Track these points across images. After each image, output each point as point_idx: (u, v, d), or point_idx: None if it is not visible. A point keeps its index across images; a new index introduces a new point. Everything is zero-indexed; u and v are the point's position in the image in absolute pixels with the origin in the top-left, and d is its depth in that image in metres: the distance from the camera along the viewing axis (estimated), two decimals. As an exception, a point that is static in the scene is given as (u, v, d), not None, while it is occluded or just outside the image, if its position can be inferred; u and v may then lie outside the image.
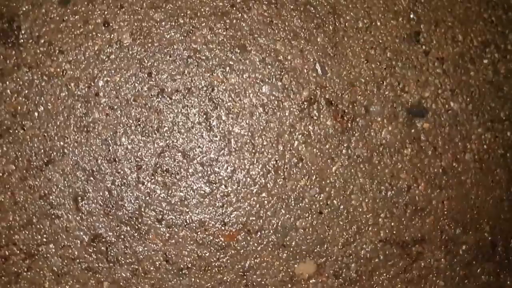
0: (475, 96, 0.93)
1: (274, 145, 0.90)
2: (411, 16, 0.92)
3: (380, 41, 0.92)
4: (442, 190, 0.91)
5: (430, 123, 0.93)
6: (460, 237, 0.92)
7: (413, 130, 0.92)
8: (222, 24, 0.89)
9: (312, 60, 0.91)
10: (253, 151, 0.90)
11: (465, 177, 0.92)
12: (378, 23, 0.92)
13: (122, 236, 0.86)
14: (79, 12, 0.86)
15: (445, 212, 0.91)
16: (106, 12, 0.86)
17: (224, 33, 0.89)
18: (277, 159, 0.90)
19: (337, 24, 0.91)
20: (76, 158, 0.86)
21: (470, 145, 0.93)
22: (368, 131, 0.91)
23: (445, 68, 0.93)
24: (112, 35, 0.86)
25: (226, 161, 0.89)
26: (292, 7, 0.90)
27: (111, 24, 0.86)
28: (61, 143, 0.86)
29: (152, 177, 0.88)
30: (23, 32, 0.85)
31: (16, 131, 0.85)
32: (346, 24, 0.91)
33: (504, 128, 0.94)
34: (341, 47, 0.91)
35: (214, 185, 0.89)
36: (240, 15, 0.89)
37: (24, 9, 0.85)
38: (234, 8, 0.89)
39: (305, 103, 0.91)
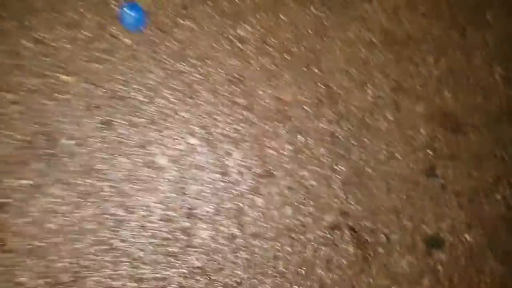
0: (488, 230, 0.98)
1: (296, 269, 0.92)
2: (429, 151, 0.99)
3: (400, 173, 0.97)
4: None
5: (447, 254, 0.96)
6: None
7: (430, 261, 0.95)
8: (252, 150, 0.94)
9: (336, 187, 0.95)
10: (276, 274, 0.91)
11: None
12: (398, 156, 0.98)
13: None
14: (117, 133, 0.91)
15: None
16: (143, 135, 0.91)
17: (254, 159, 0.94)
18: (301, 283, 0.91)
19: (360, 155, 0.97)
20: (99, 278, 0.87)
21: (484, 278, 0.96)
22: (388, 259, 0.94)
23: (460, 201, 0.98)
24: (150, 158, 0.91)
25: (249, 284, 0.91)
26: (318, 137, 0.96)
27: (147, 146, 0.91)
28: (87, 262, 0.87)
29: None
30: (63, 151, 0.88)
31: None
32: (368, 155, 0.97)
33: (518, 264, 0.98)
34: (364, 177, 0.96)
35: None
36: (269, 143, 0.95)
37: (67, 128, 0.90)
38: (264, 137, 0.95)
39: (328, 228, 0.94)
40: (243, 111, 0.94)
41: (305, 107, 0.95)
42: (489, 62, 1.00)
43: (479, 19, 1.01)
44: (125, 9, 0.86)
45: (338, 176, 0.96)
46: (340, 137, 0.96)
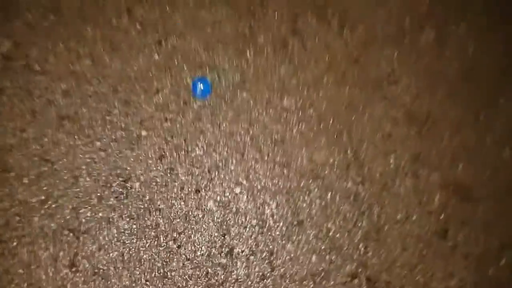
0: (494, 292, 1.09)
1: (317, 310, 1.05)
2: (442, 216, 1.12)
3: (415, 233, 1.10)
4: None
5: (454, 310, 1.07)
6: None
7: (438, 315, 1.06)
8: (287, 202, 1.10)
9: (357, 241, 1.09)
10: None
11: None
12: (414, 218, 1.11)
13: None
14: (178, 179, 1.09)
15: None
16: (198, 182, 1.09)
17: (288, 210, 1.10)
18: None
19: (380, 214, 1.11)
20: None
21: (489, 336, 1.06)
22: (400, 310, 1.06)
23: (468, 263, 1.10)
24: (202, 202, 1.08)
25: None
26: (344, 195, 1.11)
27: (201, 192, 1.08)
28: (140, 287, 1.03)
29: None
30: (133, 191, 1.07)
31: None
32: (387, 215, 1.11)
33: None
34: (382, 233, 1.10)
35: None
36: (302, 197, 1.11)
37: (138, 172, 1.09)
38: (298, 192, 1.11)
39: (347, 277, 1.07)
40: (282, 168, 1.10)
41: (335, 168, 1.11)
42: (499, 142, 1.14)
43: (493, 103, 1.16)
44: (196, 81, 1.07)
45: (360, 231, 1.10)
46: (363, 197, 1.11)
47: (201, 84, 1.08)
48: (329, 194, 1.11)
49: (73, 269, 1.03)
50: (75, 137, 1.05)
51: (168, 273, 1.05)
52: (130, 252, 1.05)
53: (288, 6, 1.16)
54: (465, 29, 1.17)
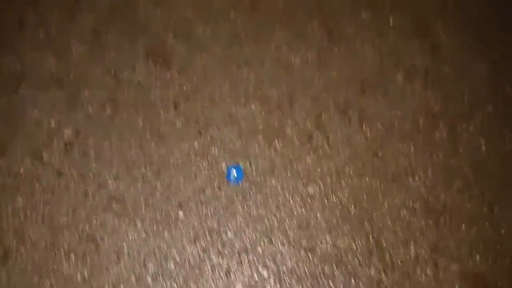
0: None
1: None
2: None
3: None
4: None
5: None
6: None
7: None
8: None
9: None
10: None
11: None
12: (436, 308, 1.14)
13: None
14: (210, 260, 1.16)
15: None
16: (229, 264, 1.16)
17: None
18: None
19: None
20: None
21: None
22: None
23: None
24: (231, 283, 1.14)
25: None
26: (367, 282, 1.16)
27: (230, 274, 1.15)
28: None
29: None
30: (168, 271, 1.15)
31: None
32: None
33: None
34: None
35: None
36: (327, 282, 1.15)
37: (173, 253, 1.17)
38: (323, 277, 1.16)
39: None
40: (307, 253, 1.17)
41: (358, 255, 1.17)
42: (515, 234, 1.20)
43: (505, 198, 1.23)
44: (230, 168, 1.19)
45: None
46: (385, 284, 1.15)
47: (235, 171, 1.19)
48: (353, 281, 1.16)
49: None
50: (121, 217, 1.16)
51: None
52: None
53: (312, 103, 1.30)
54: (476, 127, 1.29)
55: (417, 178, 1.24)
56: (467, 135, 1.28)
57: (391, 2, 1.42)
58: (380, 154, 1.26)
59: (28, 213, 1.18)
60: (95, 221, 1.16)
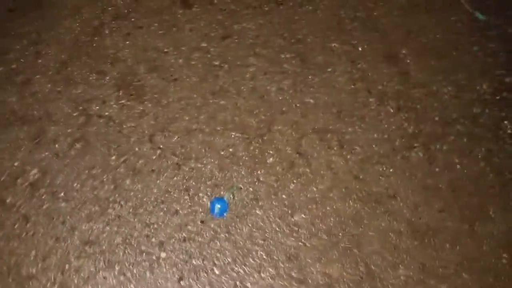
0: None
1: None
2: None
3: None
4: None
5: None
6: None
7: None
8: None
9: None
10: None
11: None
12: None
13: None
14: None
15: None
16: None
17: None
18: None
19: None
20: None
21: None
22: None
23: None
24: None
25: None
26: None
27: None
28: None
29: None
30: None
31: None
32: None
33: None
34: None
35: None
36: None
37: None
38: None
39: None
40: (298, 284, 1.12)
41: (349, 283, 1.14)
42: (497, 249, 1.22)
43: (484, 214, 1.26)
44: (214, 201, 1.14)
45: None
46: None
47: (218, 204, 1.14)
48: None
49: None
50: (96, 262, 1.06)
51: None
52: None
53: (291, 130, 1.30)
54: (449, 146, 1.33)
55: (399, 199, 1.25)
56: (441, 155, 1.32)
57: (359, 32, 1.48)
58: (361, 176, 1.26)
59: (-12, 265, 1.06)
60: (68, 268, 1.05)
